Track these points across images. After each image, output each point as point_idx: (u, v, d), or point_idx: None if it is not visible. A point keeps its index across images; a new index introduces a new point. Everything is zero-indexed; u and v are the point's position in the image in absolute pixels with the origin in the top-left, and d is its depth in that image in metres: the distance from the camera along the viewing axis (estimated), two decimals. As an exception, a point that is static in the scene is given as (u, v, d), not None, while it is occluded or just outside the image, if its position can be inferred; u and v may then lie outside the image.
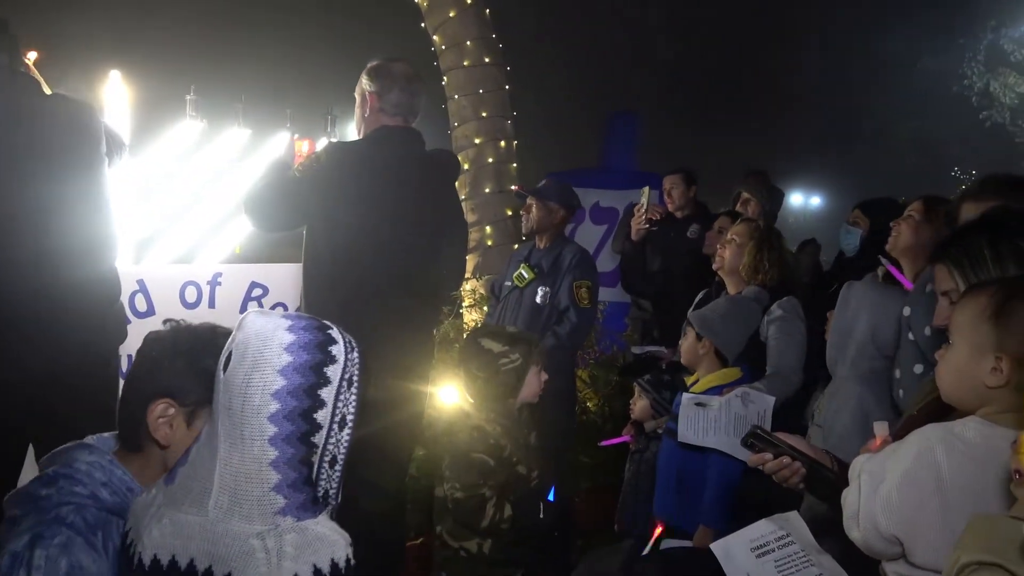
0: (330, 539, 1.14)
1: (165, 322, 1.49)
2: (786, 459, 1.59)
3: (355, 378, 1.20)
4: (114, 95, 3.28)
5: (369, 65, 2.80)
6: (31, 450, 2.38)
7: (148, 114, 3.74)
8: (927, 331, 2.06)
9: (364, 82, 2.78)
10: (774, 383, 2.73)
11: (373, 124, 2.77)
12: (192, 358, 1.37)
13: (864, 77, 18.08)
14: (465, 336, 2.72)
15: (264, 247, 4.08)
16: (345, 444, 1.19)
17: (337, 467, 1.19)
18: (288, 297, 3.52)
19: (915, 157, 18.53)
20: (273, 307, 3.54)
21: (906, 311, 2.19)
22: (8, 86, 2.30)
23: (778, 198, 4.53)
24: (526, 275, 3.66)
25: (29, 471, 2.36)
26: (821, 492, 1.57)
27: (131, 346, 2.68)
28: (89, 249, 2.35)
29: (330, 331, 1.21)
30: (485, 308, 5.04)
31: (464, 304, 5.23)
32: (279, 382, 1.14)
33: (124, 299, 2.67)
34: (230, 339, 1.20)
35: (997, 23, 16.42)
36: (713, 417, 2.57)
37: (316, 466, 1.17)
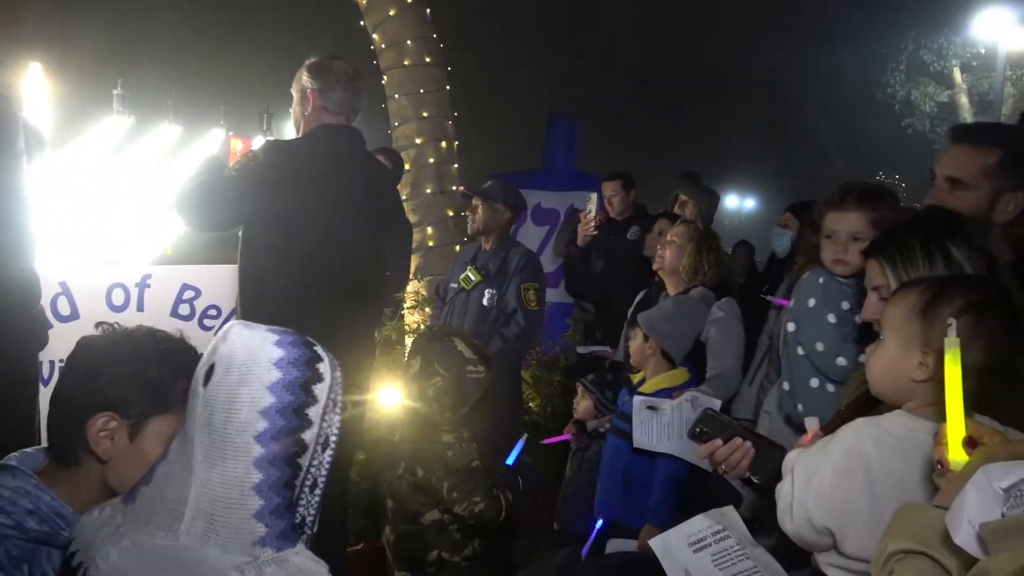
0: (311, 570, 1.09)
1: (98, 326, 1.37)
2: (737, 440, 1.62)
3: (339, 398, 1.15)
4: (34, 88, 3.14)
5: (308, 62, 2.75)
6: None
7: (72, 109, 3.59)
8: (819, 346, 2.11)
9: (304, 79, 2.73)
10: (718, 385, 2.80)
11: (313, 122, 2.73)
12: (136, 367, 1.30)
13: (794, 83, 18.70)
14: (432, 330, 2.66)
15: (197, 248, 3.96)
16: (326, 467, 1.13)
17: (317, 492, 1.13)
18: (222, 299, 3.42)
19: (843, 161, 19.29)
20: (206, 310, 3.43)
21: (790, 327, 2.19)
22: None
23: (714, 200, 4.64)
24: (473, 277, 3.64)
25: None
26: (765, 472, 1.59)
27: (53, 352, 2.58)
28: (4, 250, 2.23)
29: (315, 347, 1.15)
30: (427, 309, 5.02)
31: (406, 305, 5.19)
32: (268, 399, 1.07)
33: (45, 302, 2.55)
34: (209, 350, 1.13)
35: (917, 34, 17.24)
36: (666, 422, 2.62)
37: (297, 490, 1.11)
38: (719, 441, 1.63)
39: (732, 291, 3.18)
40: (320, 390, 1.12)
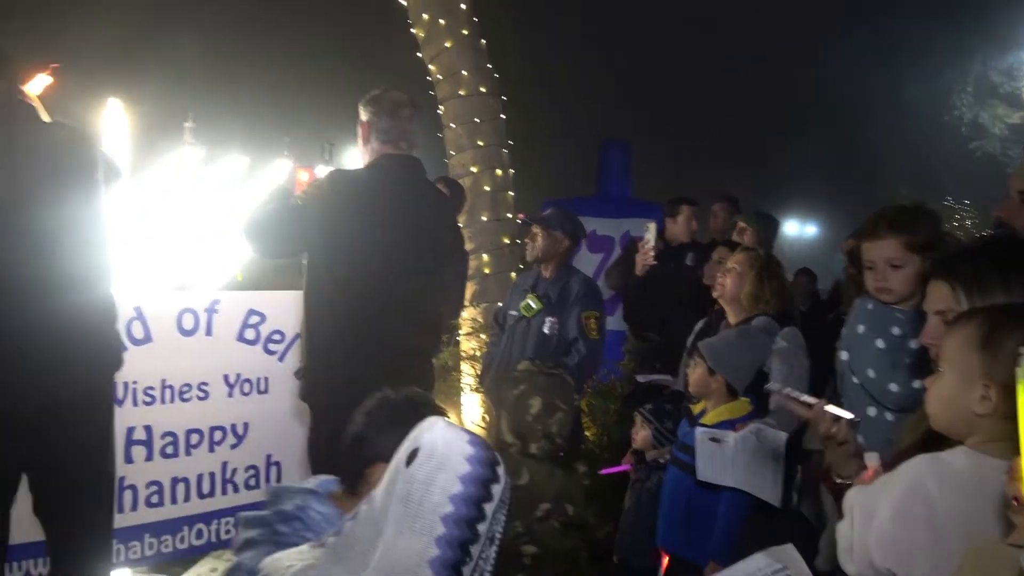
0: None
1: (388, 389, 1.70)
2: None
3: (506, 501, 1.26)
4: (113, 122, 3.31)
5: (366, 96, 2.85)
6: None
7: (147, 141, 3.76)
8: (870, 373, 2.07)
9: (360, 112, 2.84)
10: (783, 417, 2.73)
11: (373, 152, 2.82)
12: (406, 432, 1.44)
13: (857, 106, 18.32)
14: (536, 365, 2.68)
15: (266, 274, 4.09)
16: (491, 562, 1.24)
17: None
18: (285, 324, 3.52)
19: (908, 186, 18.74)
20: (270, 335, 3.53)
21: (843, 355, 2.17)
22: (6, 115, 2.31)
23: (773, 227, 4.57)
24: (533, 305, 3.66)
25: (22, 497, 2.34)
26: None
27: (127, 373, 2.68)
28: (86, 276, 2.35)
29: (494, 452, 1.29)
30: (483, 336, 5.05)
31: (462, 332, 5.23)
32: (458, 487, 1.20)
33: (121, 326, 2.66)
34: (413, 436, 1.27)
35: (985, 55, 16.74)
36: (730, 454, 2.57)
37: None
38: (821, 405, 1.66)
39: (794, 320, 3.12)
40: (496, 490, 1.24)
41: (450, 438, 1.25)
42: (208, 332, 3.38)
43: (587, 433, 4.60)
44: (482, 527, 1.21)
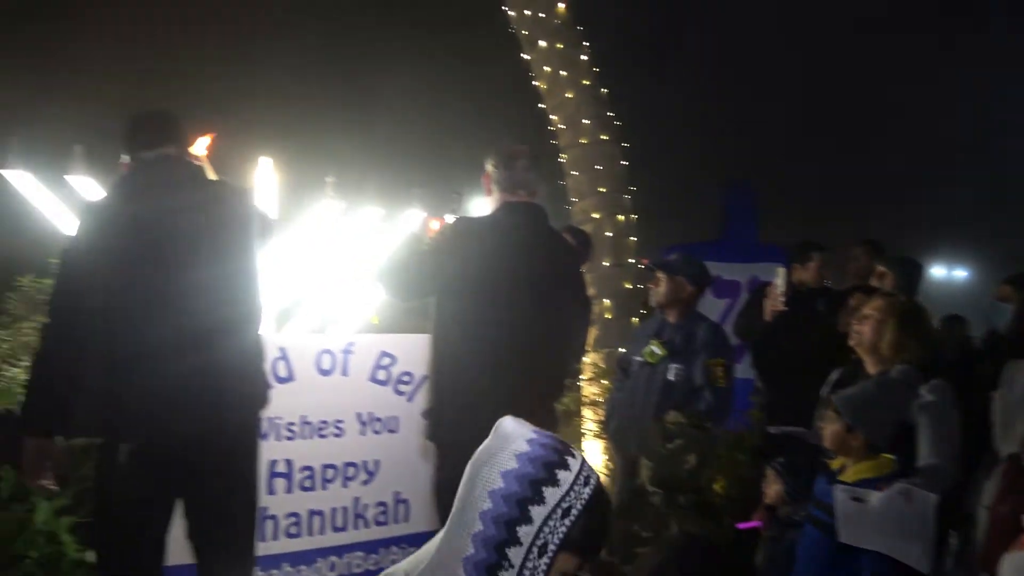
0: None
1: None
2: None
3: (574, 511, 1.13)
4: (264, 178, 3.61)
5: (492, 151, 2.99)
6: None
7: (293, 195, 4.06)
8: None
9: (486, 165, 2.97)
10: (932, 478, 2.54)
11: (496, 202, 2.93)
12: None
13: (1009, 141, 16.97)
14: (690, 416, 2.66)
15: (398, 318, 4.27)
16: (541, 574, 1.11)
17: None
18: (415, 366, 3.65)
19: (1070, 225, 17.04)
20: (401, 376, 3.68)
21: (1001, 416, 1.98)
22: (178, 176, 2.57)
23: (916, 271, 4.30)
24: (657, 351, 3.61)
25: (178, 524, 2.54)
26: None
27: (271, 409, 2.86)
28: (243, 321, 2.57)
29: (568, 458, 1.18)
30: (605, 382, 5.02)
31: (584, 377, 5.22)
32: (498, 483, 1.12)
33: (268, 365, 2.86)
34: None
35: None
36: (874, 516, 2.42)
37: None
38: None
39: (942, 371, 2.90)
40: (551, 493, 1.12)
41: (508, 433, 1.16)
42: (344, 372, 3.57)
43: (715, 486, 4.43)
44: (524, 531, 1.09)
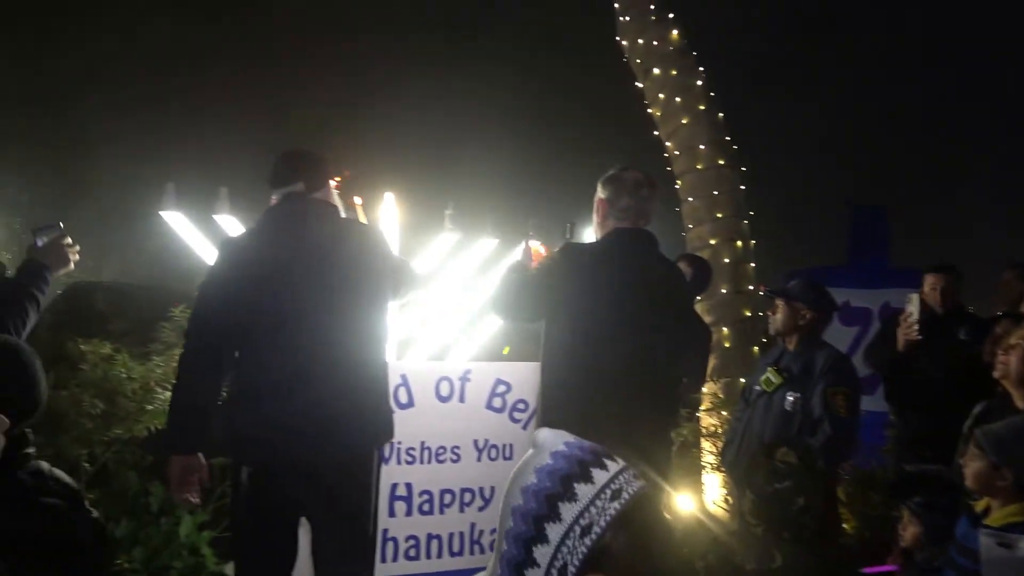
0: None
1: None
2: None
3: (596, 529, 1.04)
4: (388, 213, 3.80)
5: (603, 176, 2.94)
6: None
7: (414, 228, 4.24)
8: None
9: (598, 191, 2.92)
10: None
11: (605, 229, 2.89)
12: None
13: None
14: (803, 455, 2.57)
15: (527, 348, 4.33)
16: None
17: None
18: (529, 394, 3.69)
19: None
20: (515, 403, 3.73)
21: None
22: (304, 211, 2.66)
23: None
24: (773, 379, 3.47)
25: (303, 542, 2.65)
26: None
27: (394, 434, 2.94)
28: (367, 355, 2.64)
29: (595, 469, 1.08)
30: (724, 412, 4.85)
31: (702, 407, 5.08)
32: (518, 499, 1.06)
33: (390, 399, 2.89)
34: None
35: None
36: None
37: None
38: None
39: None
40: (567, 510, 1.03)
41: (540, 444, 1.11)
42: (461, 399, 3.66)
43: (845, 525, 4.17)
44: (540, 552, 1.01)
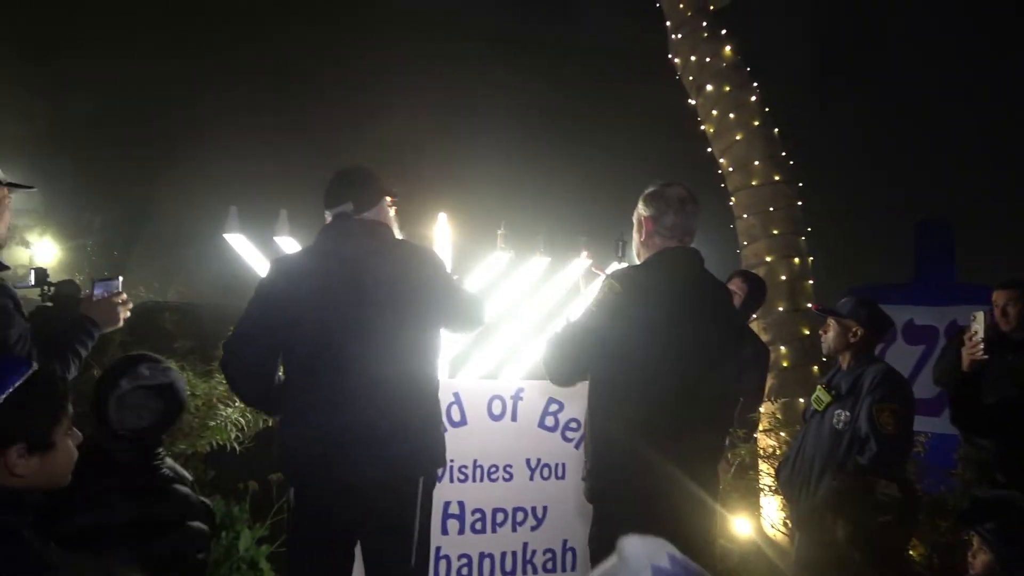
0: None
1: None
2: None
3: None
4: (442, 233, 3.85)
5: (645, 192, 2.83)
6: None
7: (467, 248, 4.29)
8: None
9: (640, 208, 2.81)
10: None
11: (653, 248, 2.77)
12: None
13: None
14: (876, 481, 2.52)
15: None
16: None
17: None
18: (581, 413, 3.66)
19: None
20: (568, 423, 3.72)
21: None
22: (353, 231, 2.64)
23: None
24: (823, 398, 3.42)
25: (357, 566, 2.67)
26: None
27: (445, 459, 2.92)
28: (425, 369, 2.65)
29: None
30: (783, 433, 4.75)
31: (760, 428, 4.97)
32: None
33: (440, 426, 2.83)
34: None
35: None
36: None
37: None
38: None
39: None
40: None
41: (632, 555, 0.99)
42: (513, 418, 3.67)
43: (911, 552, 4.00)
44: None
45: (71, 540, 2.03)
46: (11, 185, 2.44)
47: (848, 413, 3.30)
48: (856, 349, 3.47)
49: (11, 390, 1.65)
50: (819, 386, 3.49)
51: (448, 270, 2.92)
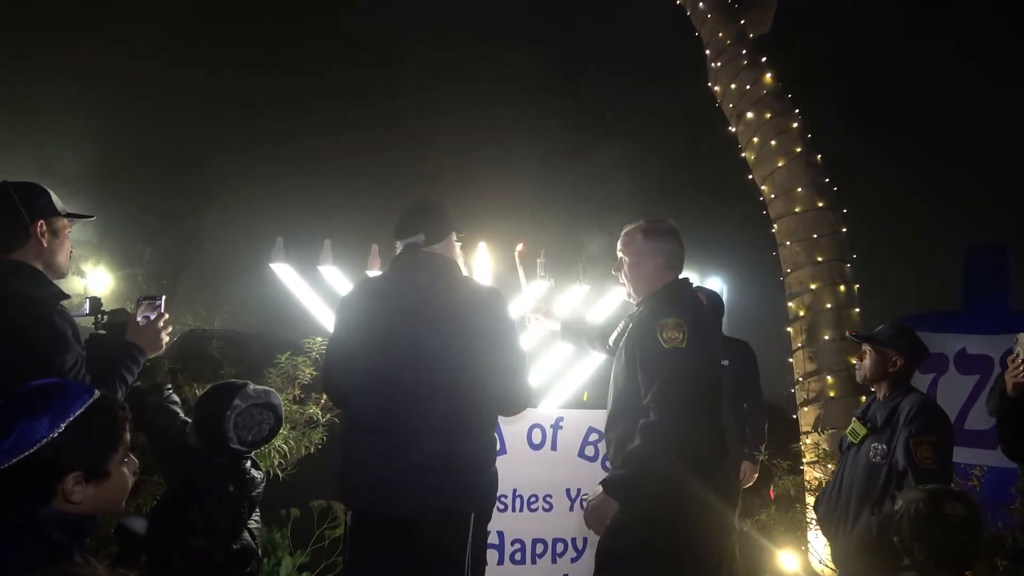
0: None
1: None
2: None
3: None
4: (481, 262, 3.90)
5: (642, 226, 2.98)
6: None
7: (507, 276, 4.32)
8: None
9: (638, 240, 2.96)
10: None
11: (663, 280, 2.93)
12: None
13: None
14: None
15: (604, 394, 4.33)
16: None
17: None
18: (622, 443, 3.64)
19: None
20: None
21: None
22: (420, 264, 2.68)
23: None
24: (858, 430, 3.32)
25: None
26: None
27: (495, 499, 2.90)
28: (480, 408, 2.63)
29: None
30: (830, 465, 4.63)
31: (806, 460, 4.86)
32: None
33: (493, 465, 2.78)
34: None
35: None
36: None
37: None
38: None
39: None
40: None
41: None
42: (553, 447, 3.66)
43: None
44: None
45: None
46: (71, 216, 2.54)
47: (884, 446, 3.20)
48: (894, 379, 3.37)
49: (72, 418, 1.70)
50: (854, 418, 3.40)
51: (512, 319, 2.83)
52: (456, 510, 2.55)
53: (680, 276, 2.93)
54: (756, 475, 4.44)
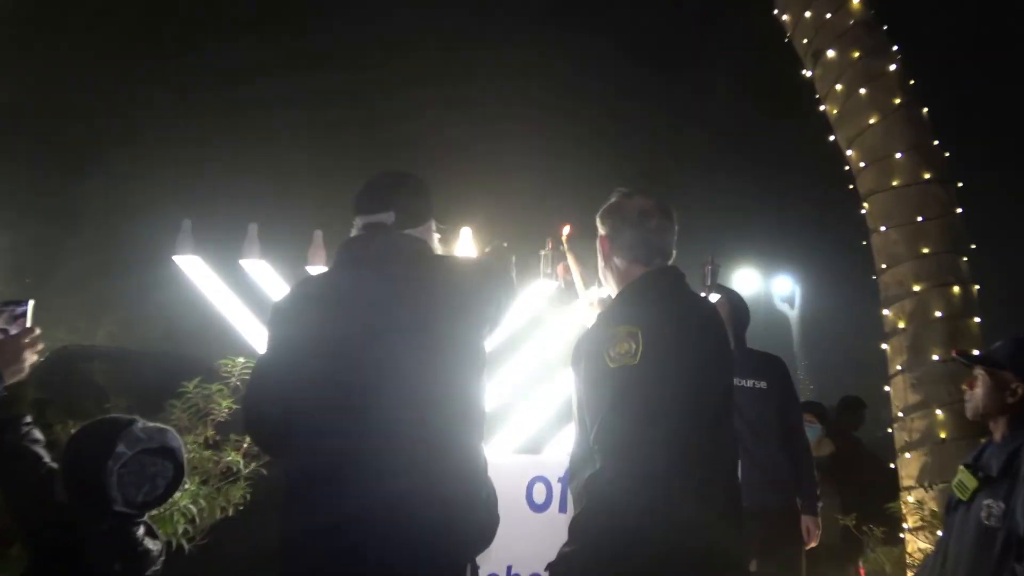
0: None
1: None
2: None
3: None
4: (466, 250, 3.93)
5: (603, 206, 3.00)
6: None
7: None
8: None
9: (598, 225, 3.00)
10: None
11: (617, 274, 2.95)
12: None
13: None
14: None
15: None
16: None
17: None
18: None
19: None
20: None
21: None
22: (387, 253, 2.68)
23: None
24: (967, 483, 3.30)
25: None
26: None
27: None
28: (464, 432, 2.64)
29: None
30: (939, 532, 4.65)
31: (907, 526, 4.88)
32: None
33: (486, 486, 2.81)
34: None
35: None
36: None
37: None
38: None
39: None
40: None
41: None
42: (562, 508, 3.71)
43: None
44: None
45: None
46: None
47: (1002, 504, 3.17)
48: (1014, 414, 3.36)
49: None
50: (961, 467, 3.38)
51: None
52: (446, 566, 2.57)
53: (658, 267, 2.89)
54: (819, 531, 4.48)
